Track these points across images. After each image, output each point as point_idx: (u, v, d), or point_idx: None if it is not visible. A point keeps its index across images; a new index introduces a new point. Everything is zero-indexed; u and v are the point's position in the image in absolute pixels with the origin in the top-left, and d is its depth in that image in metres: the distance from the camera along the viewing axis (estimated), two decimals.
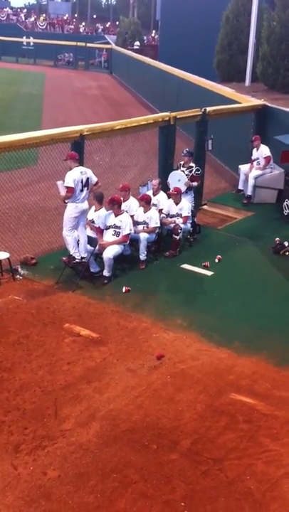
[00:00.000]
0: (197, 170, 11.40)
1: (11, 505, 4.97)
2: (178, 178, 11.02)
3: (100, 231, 9.34)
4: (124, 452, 5.60)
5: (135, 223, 9.78)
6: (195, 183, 11.19)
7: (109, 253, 9.04)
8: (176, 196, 10.43)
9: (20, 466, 5.40)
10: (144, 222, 9.88)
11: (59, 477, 5.28)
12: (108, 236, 9.33)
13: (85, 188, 8.83)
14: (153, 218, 9.90)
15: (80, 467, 5.40)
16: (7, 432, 5.81)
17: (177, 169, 11.37)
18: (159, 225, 9.99)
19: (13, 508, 4.94)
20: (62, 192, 8.72)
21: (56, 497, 5.07)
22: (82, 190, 8.79)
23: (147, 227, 9.85)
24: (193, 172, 11.29)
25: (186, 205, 10.50)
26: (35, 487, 5.16)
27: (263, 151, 13.06)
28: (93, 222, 9.41)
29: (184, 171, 11.22)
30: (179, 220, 10.28)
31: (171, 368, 6.94)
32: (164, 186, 10.83)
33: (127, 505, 5.02)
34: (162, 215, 10.33)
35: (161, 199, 10.56)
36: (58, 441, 5.71)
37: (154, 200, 10.38)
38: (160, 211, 10.35)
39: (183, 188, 10.74)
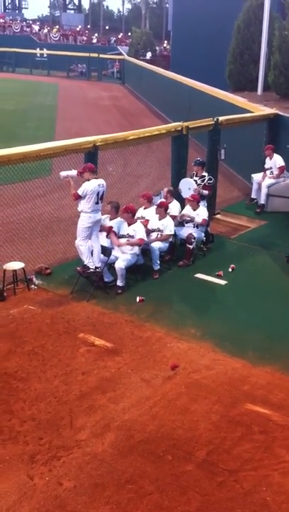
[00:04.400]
0: (209, 179, 11.42)
1: None
2: (188, 186, 11.06)
3: (114, 233, 9.35)
4: (139, 463, 5.60)
5: (149, 230, 9.81)
6: (206, 192, 11.21)
7: (122, 263, 9.07)
8: (193, 203, 10.46)
9: (36, 477, 5.41)
10: (158, 230, 9.90)
11: (74, 488, 5.28)
12: (122, 241, 9.36)
13: (100, 201, 8.90)
14: (168, 226, 9.92)
15: (95, 478, 5.40)
16: (23, 442, 5.83)
17: (191, 178, 11.41)
18: (173, 232, 10.01)
19: None
20: (70, 173, 8.93)
21: (72, 508, 5.07)
22: (97, 203, 8.86)
23: (161, 234, 9.87)
24: (205, 181, 11.31)
25: (204, 210, 10.55)
26: (51, 497, 5.17)
27: (276, 161, 13.06)
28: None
29: (196, 181, 11.26)
30: (198, 220, 10.30)
31: (186, 378, 6.93)
32: (175, 194, 10.86)
33: None
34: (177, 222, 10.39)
35: (173, 207, 10.59)
36: (74, 451, 5.72)
37: None
38: (173, 217, 10.37)
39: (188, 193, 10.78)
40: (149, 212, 9.99)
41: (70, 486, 5.30)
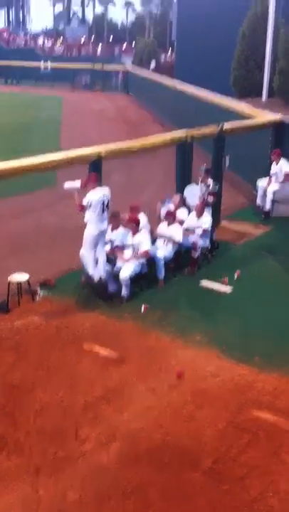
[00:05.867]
0: (215, 186, 11.40)
1: None
2: (193, 193, 11.07)
3: (120, 249, 9.37)
4: (145, 472, 5.56)
5: (157, 237, 9.82)
6: (211, 199, 11.20)
7: (126, 273, 9.06)
8: (198, 211, 10.46)
9: (41, 489, 5.39)
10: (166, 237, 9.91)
11: (79, 499, 5.26)
12: (127, 256, 9.36)
13: (107, 209, 8.91)
14: (176, 233, 9.93)
15: (100, 488, 5.37)
16: (28, 454, 5.82)
17: (196, 185, 11.42)
18: (181, 239, 9.99)
19: None
20: (75, 185, 8.91)
21: None
22: (103, 212, 8.87)
23: (168, 241, 9.87)
24: (210, 188, 11.30)
25: (207, 218, 10.54)
26: (56, 510, 5.16)
27: (282, 167, 13.01)
28: (110, 242, 9.45)
29: (202, 188, 11.25)
30: (198, 231, 10.31)
31: (191, 386, 6.89)
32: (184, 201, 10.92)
33: None
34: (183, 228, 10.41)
35: (183, 214, 10.60)
36: (79, 462, 5.71)
37: None
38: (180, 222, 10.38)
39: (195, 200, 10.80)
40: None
41: (75, 497, 5.28)
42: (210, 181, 11.45)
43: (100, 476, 5.52)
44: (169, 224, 10.04)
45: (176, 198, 10.81)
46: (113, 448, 5.87)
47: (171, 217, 10.08)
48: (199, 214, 10.48)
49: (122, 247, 9.44)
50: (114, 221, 9.52)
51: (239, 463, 5.66)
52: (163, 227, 10.08)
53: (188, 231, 10.35)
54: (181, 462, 5.69)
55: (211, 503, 5.19)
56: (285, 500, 5.19)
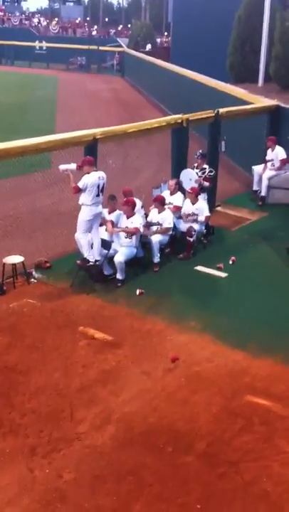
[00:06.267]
0: (210, 171, 11.39)
1: (27, 508, 4.99)
2: (189, 177, 11.03)
3: (111, 223, 9.34)
4: (139, 455, 5.60)
5: (149, 224, 9.80)
6: (207, 184, 11.18)
7: (121, 257, 9.05)
8: (192, 196, 10.44)
9: (36, 469, 5.42)
10: (158, 223, 9.88)
11: (75, 480, 5.29)
12: (120, 237, 9.34)
13: (101, 193, 8.88)
14: (166, 219, 9.90)
15: (95, 470, 5.41)
16: (23, 435, 5.84)
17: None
18: (172, 225, 9.99)
19: (29, 511, 4.96)
20: (71, 167, 8.90)
21: (72, 500, 5.08)
22: (98, 195, 8.83)
23: (161, 227, 9.85)
24: (206, 174, 11.28)
25: (204, 205, 10.52)
26: (51, 490, 5.18)
27: (278, 154, 13.00)
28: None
29: (197, 173, 11.22)
30: (201, 218, 10.31)
31: (186, 371, 6.93)
32: (180, 186, 10.87)
33: (142, 507, 5.01)
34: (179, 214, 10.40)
35: (178, 199, 10.58)
36: (74, 443, 5.73)
37: (170, 199, 10.45)
38: (176, 208, 10.35)
39: (195, 186, 10.77)
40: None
41: (70, 478, 5.31)
42: (205, 166, 11.43)
43: (95, 457, 5.55)
44: (159, 211, 9.99)
45: (172, 182, 10.78)
46: (108, 430, 5.91)
47: (159, 202, 10.04)
48: (194, 199, 10.47)
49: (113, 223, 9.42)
50: (112, 204, 9.49)
51: (233, 447, 5.71)
52: (154, 214, 10.03)
53: (184, 216, 10.35)
54: (176, 445, 5.73)
55: (205, 487, 5.24)
56: (278, 485, 5.24)
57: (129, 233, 9.24)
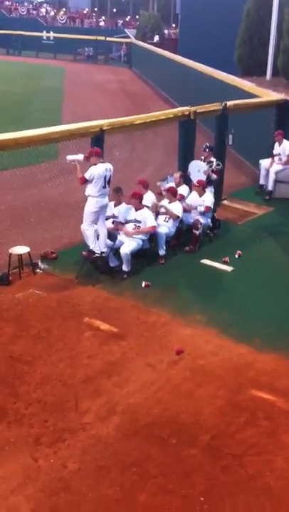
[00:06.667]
0: (217, 165, 11.36)
1: (31, 497, 5.02)
2: (198, 169, 11.01)
3: (122, 224, 9.35)
4: (143, 446, 5.62)
5: (157, 213, 9.80)
6: (215, 176, 11.16)
7: (127, 249, 9.06)
8: (199, 189, 10.43)
9: (41, 459, 5.44)
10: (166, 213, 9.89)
11: (79, 470, 5.32)
12: (128, 229, 9.33)
13: (108, 185, 8.87)
14: (176, 209, 9.91)
15: (99, 460, 5.43)
16: (28, 425, 5.86)
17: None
18: (181, 215, 9.97)
19: (33, 500, 4.99)
20: (78, 157, 8.88)
21: (76, 490, 5.11)
22: (104, 187, 8.82)
23: (169, 218, 9.85)
24: (213, 167, 11.25)
25: (209, 197, 10.50)
26: (56, 479, 5.21)
27: (285, 148, 12.95)
28: (114, 217, 9.42)
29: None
30: (201, 209, 10.29)
31: (191, 364, 6.94)
32: (185, 179, 10.85)
33: (146, 499, 5.04)
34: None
35: (183, 191, 10.57)
36: (78, 434, 5.75)
37: None
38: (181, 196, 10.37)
39: (203, 178, 10.76)
40: (146, 198, 9.92)
41: (74, 468, 5.34)
42: (213, 159, 11.40)
43: (100, 448, 5.57)
44: (170, 201, 10.00)
45: (177, 175, 10.76)
46: (113, 421, 5.93)
47: (172, 193, 10.04)
48: (201, 192, 10.46)
49: (123, 223, 9.41)
50: (117, 197, 9.48)
51: (237, 441, 5.73)
52: (164, 204, 10.04)
53: (190, 209, 10.34)
54: (180, 438, 5.75)
55: (209, 479, 5.26)
56: (281, 479, 5.26)
57: (146, 232, 9.26)
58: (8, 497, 5.02)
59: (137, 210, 9.38)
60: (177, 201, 10.10)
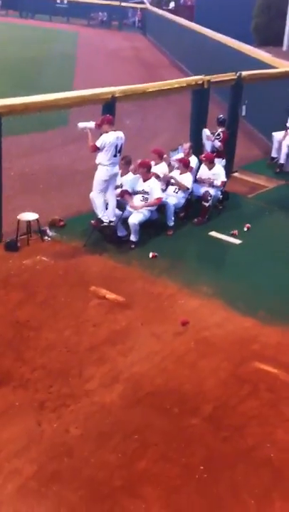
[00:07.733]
0: (217, 135, 11.19)
1: (34, 460, 5.10)
2: (205, 136, 10.98)
3: (129, 194, 9.30)
4: (146, 415, 5.69)
5: (167, 184, 9.74)
6: (218, 143, 11.02)
7: (135, 219, 9.02)
8: (206, 162, 10.32)
9: (45, 423, 5.52)
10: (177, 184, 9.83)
11: (81, 435, 5.40)
12: (136, 201, 9.29)
13: (118, 154, 8.79)
14: (186, 180, 9.83)
15: (102, 427, 5.50)
16: (33, 389, 5.94)
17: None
18: (190, 186, 9.90)
19: (36, 463, 5.08)
20: (89, 125, 8.80)
21: (78, 454, 5.19)
22: (115, 156, 8.74)
23: (178, 189, 9.78)
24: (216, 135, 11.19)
25: (221, 170, 10.41)
26: (58, 444, 5.29)
27: None
28: (121, 186, 9.37)
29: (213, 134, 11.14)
30: (217, 183, 10.21)
31: (195, 335, 6.97)
32: (195, 150, 10.73)
33: (147, 465, 5.11)
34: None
35: (192, 163, 10.46)
36: (82, 400, 5.82)
37: None
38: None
39: (208, 145, 10.67)
40: (159, 168, 9.85)
41: (77, 433, 5.42)
42: (220, 130, 11.26)
43: (103, 415, 5.64)
44: (181, 172, 9.92)
45: (186, 146, 10.63)
46: (116, 389, 5.98)
47: (184, 164, 9.96)
48: (210, 165, 10.33)
49: (131, 193, 9.35)
50: (124, 166, 9.39)
51: (239, 412, 5.78)
52: (175, 175, 9.97)
53: (206, 182, 10.25)
54: (182, 407, 5.80)
55: (209, 449, 5.32)
56: (282, 451, 5.31)
57: (152, 206, 9.20)
58: (12, 459, 5.11)
59: (144, 180, 9.30)
60: (188, 173, 10.02)
